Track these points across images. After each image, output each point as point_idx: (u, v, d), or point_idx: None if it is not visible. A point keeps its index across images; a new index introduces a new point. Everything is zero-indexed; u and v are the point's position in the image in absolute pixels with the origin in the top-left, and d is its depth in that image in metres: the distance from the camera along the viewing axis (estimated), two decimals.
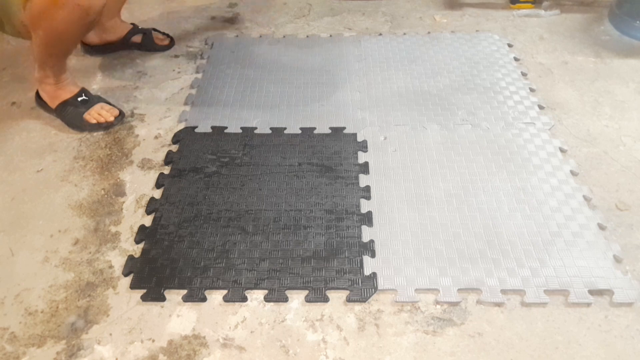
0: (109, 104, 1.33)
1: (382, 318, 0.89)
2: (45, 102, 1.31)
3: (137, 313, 0.91)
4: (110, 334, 0.88)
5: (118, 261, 0.99)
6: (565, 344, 0.85)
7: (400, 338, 0.87)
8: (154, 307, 0.92)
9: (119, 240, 1.03)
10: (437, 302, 0.91)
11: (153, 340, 0.87)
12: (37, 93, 1.32)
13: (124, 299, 0.93)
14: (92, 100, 1.31)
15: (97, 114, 1.29)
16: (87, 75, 1.48)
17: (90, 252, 1.01)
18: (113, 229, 1.05)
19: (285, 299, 0.92)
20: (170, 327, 0.89)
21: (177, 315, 0.90)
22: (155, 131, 1.29)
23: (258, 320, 0.89)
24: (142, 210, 1.09)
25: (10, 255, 1.01)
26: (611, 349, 0.85)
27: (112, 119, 1.30)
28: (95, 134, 1.28)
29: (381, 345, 0.86)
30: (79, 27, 1.15)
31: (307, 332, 0.88)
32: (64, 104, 1.28)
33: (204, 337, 0.87)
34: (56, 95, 1.29)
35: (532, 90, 1.39)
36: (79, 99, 1.29)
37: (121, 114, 1.32)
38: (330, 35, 1.65)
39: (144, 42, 1.55)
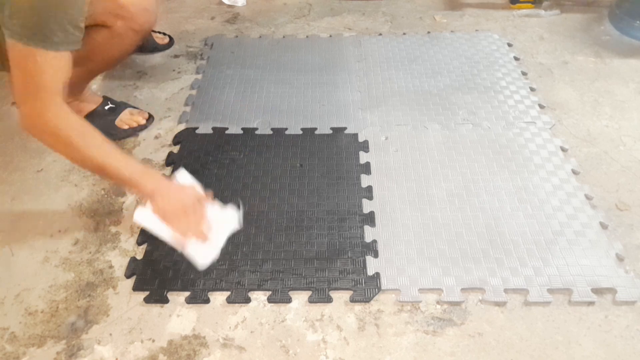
0: (135, 107, 1.32)
1: (382, 318, 0.89)
2: None
3: (137, 313, 0.90)
4: (110, 334, 0.87)
5: (118, 261, 0.99)
6: (565, 344, 0.85)
7: (400, 338, 0.86)
8: (154, 307, 0.91)
9: (119, 240, 1.03)
10: (437, 302, 0.91)
11: (153, 340, 0.87)
12: None
13: (124, 299, 0.93)
14: (119, 106, 1.29)
15: (129, 119, 1.27)
16: None
17: (90, 252, 1.01)
18: (113, 229, 1.05)
19: (289, 300, 0.92)
20: (170, 327, 0.88)
21: (177, 315, 0.90)
22: (155, 131, 1.29)
23: (258, 320, 0.89)
24: None
25: (10, 255, 1.01)
26: (611, 349, 0.85)
27: (144, 121, 1.29)
28: None
29: (381, 345, 0.85)
30: (131, 49, 1.17)
31: (307, 332, 0.87)
32: (91, 115, 1.25)
33: (204, 337, 0.87)
34: (79, 109, 1.24)
35: (532, 89, 1.39)
36: (106, 107, 1.27)
37: (151, 117, 1.31)
38: (330, 36, 1.65)
39: (144, 44, 1.51)
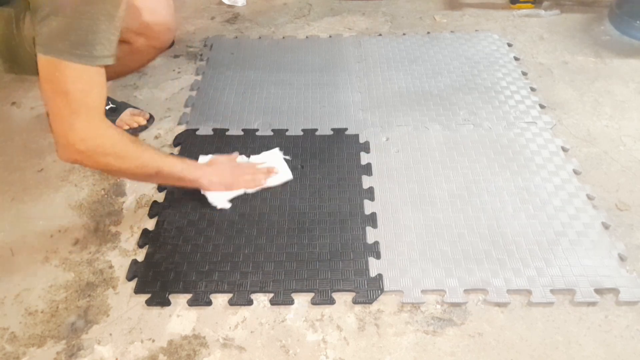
0: (136, 108, 1.31)
1: (382, 318, 0.89)
2: None
3: (137, 313, 0.90)
4: (110, 334, 0.87)
5: (118, 261, 0.99)
6: (565, 344, 0.85)
7: (400, 338, 0.86)
8: (154, 307, 0.91)
9: (119, 240, 1.03)
10: (437, 302, 0.91)
11: (153, 340, 0.86)
12: None
13: (124, 299, 0.92)
14: (120, 107, 1.29)
15: (130, 120, 1.27)
16: None
17: (90, 252, 1.00)
18: (113, 229, 1.05)
19: (291, 302, 0.91)
20: (170, 327, 0.88)
21: (177, 316, 0.90)
22: (155, 131, 1.29)
23: (258, 320, 0.89)
24: (142, 211, 1.08)
25: (10, 255, 1.00)
26: (611, 349, 0.84)
27: (144, 122, 1.29)
28: None
29: (381, 345, 0.85)
30: (148, 63, 1.16)
31: (307, 332, 0.87)
32: None
33: (204, 337, 0.87)
34: None
35: (532, 89, 1.39)
36: (107, 107, 1.27)
37: (151, 117, 1.30)
38: (330, 36, 1.65)
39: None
